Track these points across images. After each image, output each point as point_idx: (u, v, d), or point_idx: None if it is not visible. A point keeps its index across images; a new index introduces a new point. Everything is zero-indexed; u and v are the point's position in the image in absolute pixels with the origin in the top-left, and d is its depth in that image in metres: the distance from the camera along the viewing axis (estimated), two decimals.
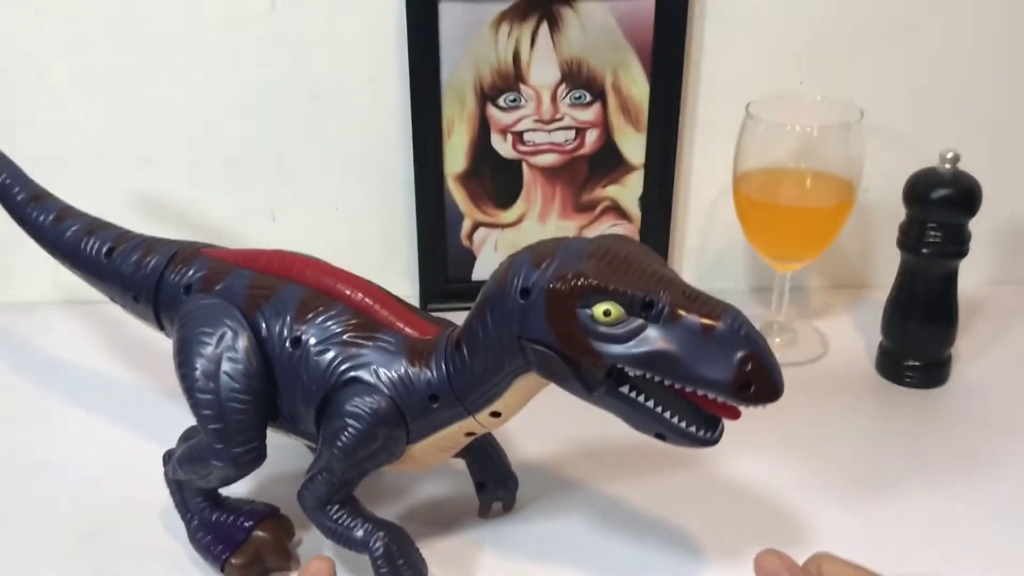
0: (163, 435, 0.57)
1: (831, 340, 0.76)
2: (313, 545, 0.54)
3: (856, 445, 0.64)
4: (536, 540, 0.55)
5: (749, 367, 0.40)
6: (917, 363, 0.70)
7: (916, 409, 0.67)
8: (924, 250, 0.66)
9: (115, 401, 0.69)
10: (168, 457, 0.54)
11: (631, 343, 0.41)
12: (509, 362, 0.44)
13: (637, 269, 0.42)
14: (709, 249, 0.83)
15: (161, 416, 0.66)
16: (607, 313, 0.41)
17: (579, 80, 0.75)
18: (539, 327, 0.42)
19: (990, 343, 0.75)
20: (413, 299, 0.81)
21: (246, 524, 0.52)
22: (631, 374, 0.42)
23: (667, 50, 0.74)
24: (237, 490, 0.57)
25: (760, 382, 0.40)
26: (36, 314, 0.81)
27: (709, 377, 0.40)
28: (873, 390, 0.70)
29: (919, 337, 0.69)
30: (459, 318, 0.50)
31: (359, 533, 0.49)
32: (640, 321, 0.41)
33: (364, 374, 0.48)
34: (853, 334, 0.77)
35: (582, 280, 0.41)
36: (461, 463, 0.56)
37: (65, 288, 0.80)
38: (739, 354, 0.40)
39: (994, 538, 0.55)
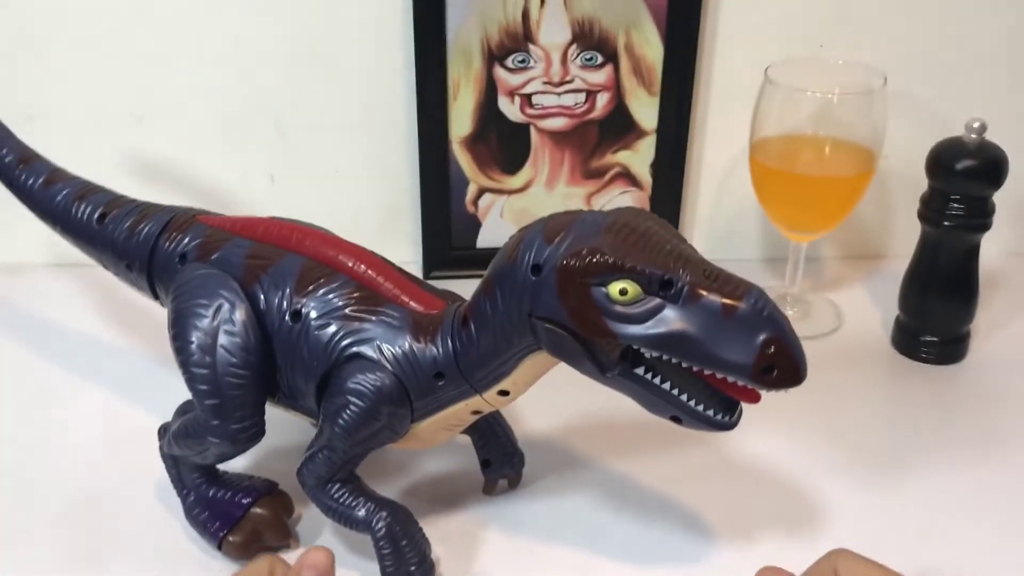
0: (160, 404, 0.55)
1: (846, 313, 0.74)
2: (313, 523, 0.53)
3: (871, 422, 0.62)
4: (543, 519, 0.54)
5: (772, 350, 0.38)
6: (935, 338, 0.68)
7: (933, 385, 0.66)
8: (946, 223, 0.64)
9: (110, 368, 0.67)
10: (163, 431, 0.53)
11: (648, 323, 0.39)
12: (518, 340, 0.42)
13: (655, 245, 0.40)
14: (722, 218, 0.81)
15: (158, 384, 0.64)
16: (623, 292, 0.39)
17: (590, 41, 0.72)
18: (551, 305, 0.40)
19: (1009, 318, 0.73)
20: (415, 266, 0.79)
21: (244, 501, 0.51)
22: (647, 355, 0.40)
23: (683, 10, 0.71)
24: (235, 465, 0.55)
25: (783, 366, 0.38)
26: (28, 277, 0.79)
27: (729, 360, 0.38)
28: (889, 365, 0.68)
29: (937, 312, 0.67)
30: (463, 286, 0.48)
31: (361, 512, 0.47)
32: (658, 300, 0.39)
33: (367, 350, 0.46)
34: (869, 307, 0.75)
35: (597, 257, 0.39)
36: (466, 439, 0.55)
37: (58, 250, 0.78)
38: (761, 336, 0.38)
39: (1012, 517, 0.53)
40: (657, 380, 0.41)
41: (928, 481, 0.56)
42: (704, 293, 0.38)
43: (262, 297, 0.48)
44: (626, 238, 0.40)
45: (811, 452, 0.59)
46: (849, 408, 0.63)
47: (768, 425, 0.61)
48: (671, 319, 0.39)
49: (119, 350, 0.70)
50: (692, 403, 0.41)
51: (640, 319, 0.39)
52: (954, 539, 0.52)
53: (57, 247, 0.78)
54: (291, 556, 0.51)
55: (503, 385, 0.45)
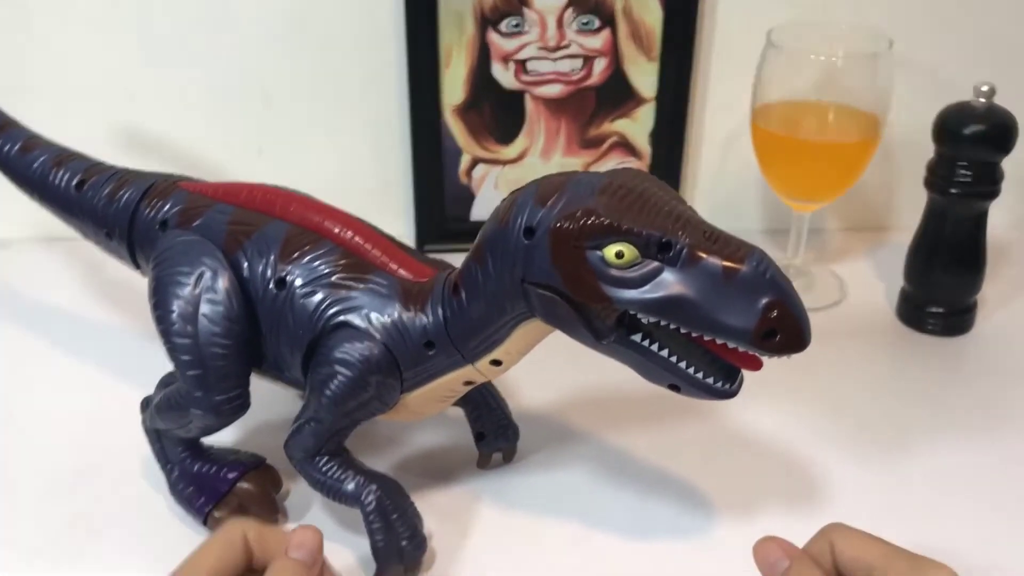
0: (145, 379, 0.53)
1: (850, 285, 0.73)
2: (301, 497, 0.52)
3: (875, 395, 0.60)
4: (537, 493, 0.52)
5: (774, 314, 0.36)
6: (940, 310, 0.66)
7: (938, 358, 0.64)
8: (953, 190, 0.62)
9: (95, 342, 0.66)
10: (146, 404, 0.51)
11: (645, 288, 0.37)
12: (511, 307, 0.41)
13: (653, 207, 0.38)
14: (723, 188, 0.79)
15: (143, 359, 0.63)
16: (620, 255, 0.37)
17: (587, 4, 0.70)
18: (544, 270, 0.38)
19: (1017, 289, 0.72)
20: (408, 238, 0.77)
21: (230, 475, 0.49)
22: (644, 321, 0.39)
23: None
24: (221, 439, 0.54)
25: (786, 330, 0.36)
26: (13, 252, 0.77)
27: (730, 325, 0.36)
28: (893, 337, 0.67)
29: (943, 282, 0.65)
30: (457, 260, 0.46)
31: (350, 486, 0.46)
32: (656, 264, 0.37)
33: (354, 318, 0.44)
34: (873, 279, 0.73)
35: (592, 218, 0.37)
36: (459, 412, 0.53)
37: (43, 225, 0.76)
38: (764, 300, 0.36)
39: (1018, 492, 0.52)
40: (655, 347, 0.40)
41: (932, 455, 0.55)
42: (704, 255, 0.37)
43: (245, 264, 0.46)
44: (622, 199, 0.38)
45: (813, 425, 0.57)
46: (852, 381, 0.62)
47: (769, 398, 0.59)
48: (669, 283, 0.37)
49: (105, 325, 0.68)
50: (691, 370, 0.40)
51: (637, 283, 0.37)
52: (957, 514, 0.51)
53: (40, 221, 0.76)
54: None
55: (495, 354, 0.43)
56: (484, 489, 0.52)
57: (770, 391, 0.59)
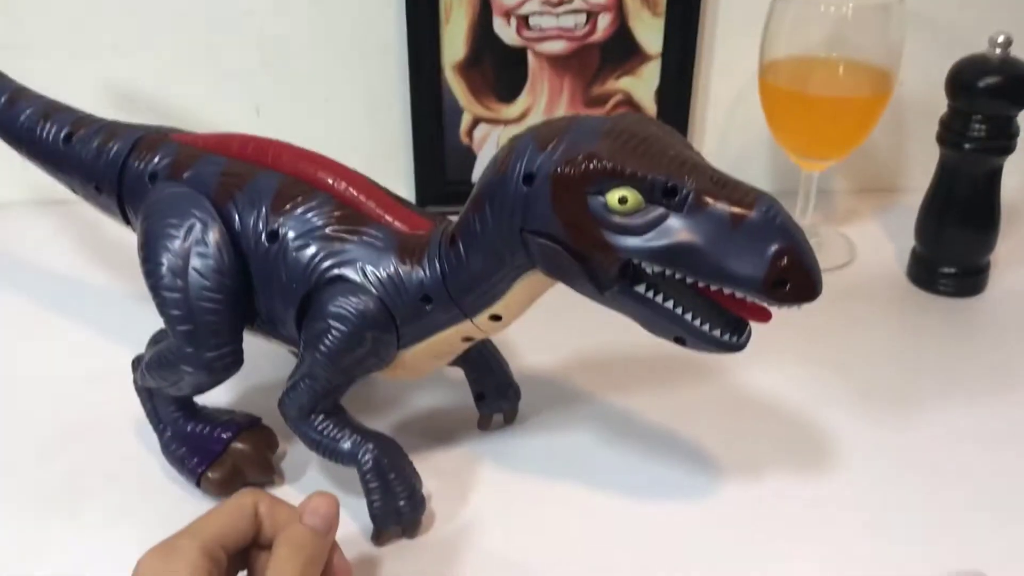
0: (139, 339, 0.52)
1: (859, 246, 0.71)
2: (298, 458, 0.50)
3: (885, 356, 0.59)
4: (539, 455, 0.51)
5: (784, 262, 0.35)
6: (953, 270, 0.64)
7: (950, 318, 0.63)
8: (967, 145, 0.60)
9: (89, 304, 0.64)
10: (137, 363, 0.50)
11: (650, 235, 0.36)
12: (510, 259, 0.39)
13: (658, 151, 0.36)
14: (730, 147, 0.77)
15: (137, 320, 0.61)
16: (623, 200, 0.36)
17: None
18: (544, 217, 0.37)
19: None
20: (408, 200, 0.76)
21: (224, 436, 0.48)
22: (649, 271, 0.37)
23: None
24: (215, 399, 0.52)
25: (796, 279, 0.35)
26: (6, 214, 0.76)
27: (739, 273, 0.35)
28: (904, 298, 0.65)
29: (956, 242, 0.64)
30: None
31: (346, 445, 0.44)
32: (661, 210, 0.36)
33: (349, 272, 0.43)
34: (883, 240, 0.72)
35: (594, 162, 0.36)
36: (459, 372, 0.52)
37: (37, 188, 0.75)
38: (773, 247, 0.35)
39: None
40: (659, 298, 0.38)
41: (942, 417, 0.54)
42: (711, 201, 0.35)
43: (237, 216, 0.44)
44: (626, 143, 0.36)
45: (822, 386, 0.56)
46: (862, 342, 0.60)
47: (778, 359, 0.58)
48: (675, 229, 0.36)
49: (98, 286, 0.67)
50: (697, 322, 0.38)
51: (641, 230, 0.36)
52: (967, 475, 0.49)
53: (34, 185, 0.75)
54: (276, 493, 0.49)
55: (495, 309, 0.42)
56: (485, 450, 0.51)
57: (778, 352, 0.58)
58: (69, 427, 0.53)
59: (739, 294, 0.36)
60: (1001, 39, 0.58)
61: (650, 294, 0.38)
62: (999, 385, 0.56)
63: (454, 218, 0.43)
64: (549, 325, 0.49)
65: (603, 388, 0.56)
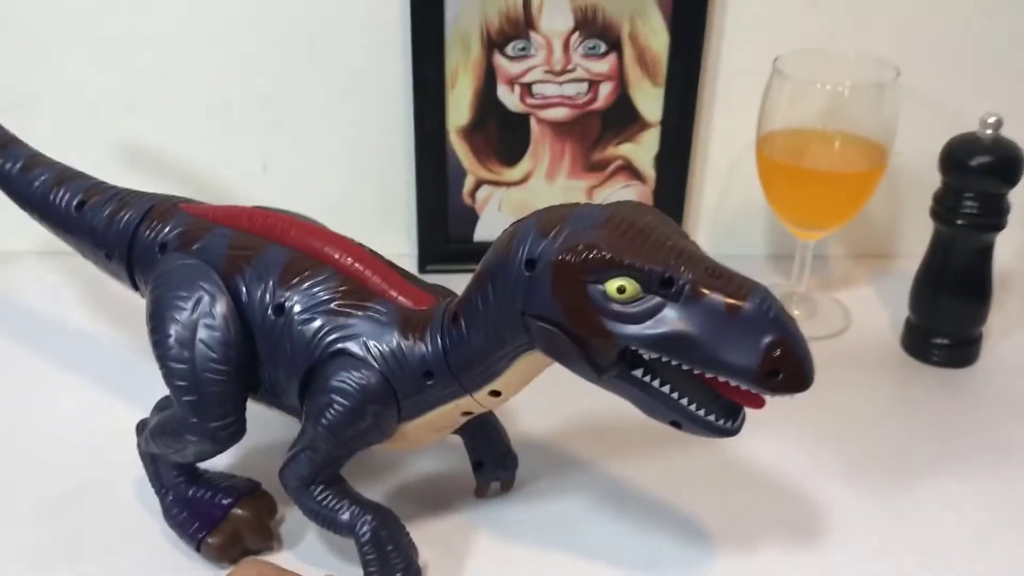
0: (143, 398, 0.53)
1: (854, 314, 0.72)
2: (297, 525, 0.51)
3: (879, 426, 0.60)
4: (536, 523, 0.51)
5: (777, 353, 0.36)
6: (946, 341, 0.65)
7: (943, 389, 0.63)
8: (959, 221, 0.61)
9: (93, 360, 0.65)
10: (142, 427, 0.51)
11: (647, 323, 0.37)
12: (511, 339, 0.40)
13: (655, 241, 0.37)
14: (727, 213, 0.78)
15: (142, 378, 0.62)
16: (621, 290, 0.37)
17: (594, 28, 0.70)
18: (545, 302, 0.38)
19: (1023, 320, 0.71)
20: (411, 259, 0.77)
21: (224, 501, 0.49)
22: (646, 357, 0.38)
23: None
24: (217, 463, 0.53)
25: (789, 370, 0.36)
26: (12, 265, 0.77)
27: (733, 363, 0.36)
28: (898, 368, 0.66)
29: (949, 313, 0.65)
30: (459, 280, 0.46)
31: (345, 516, 0.45)
32: (658, 299, 0.37)
33: (353, 346, 0.44)
34: (878, 308, 0.73)
35: (594, 252, 0.37)
36: (457, 439, 0.53)
37: (44, 239, 0.76)
38: (767, 338, 0.36)
39: (1022, 526, 0.51)
40: (656, 383, 0.39)
41: (936, 488, 0.54)
42: (706, 292, 0.36)
43: (244, 289, 0.46)
44: (624, 233, 0.38)
45: (816, 456, 0.57)
46: (856, 411, 0.61)
47: (772, 428, 0.58)
48: (671, 319, 0.37)
49: (104, 342, 0.68)
50: (693, 407, 0.39)
51: (639, 318, 0.37)
52: (960, 548, 0.50)
53: (43, 235, 0.76)
54: (275, 559, 0.49)
55: (495, 385, 0.43)
56: (482, 519, 0.52)
57: (773, 421, 0.59)
58: (71, 487, 0.53)
59: (733, 382, 0.37)
60: (992, 120, 0.60)
61: (647, 378, 0.39)
62: (991, 456, 0.57)
63: (459, 285, 0.44)
64: (548, 387, 0.50)
65: (600, 454, 0.56)
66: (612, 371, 0.39)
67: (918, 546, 0.50)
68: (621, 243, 0.37)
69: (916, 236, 0.70)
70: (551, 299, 0.38)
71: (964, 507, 0.53)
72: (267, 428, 0.56)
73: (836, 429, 0.59)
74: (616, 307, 0.37)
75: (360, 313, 0.44)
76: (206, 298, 0.45)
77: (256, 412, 0.48)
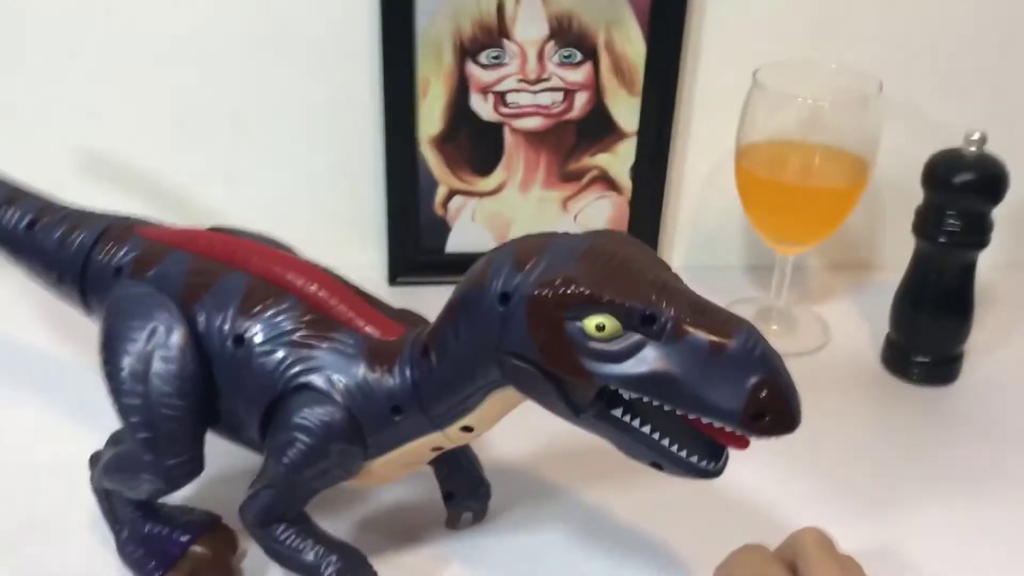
0: (99, 426, 0.50)
1: (834, 328, 0.71)
2: (260, 561, 0.48)
3: (858, 445, 0.59)
4: (510, 554, 0.50)
5: (764, 394, 0.34)
6: (926, 359, 0.64)
7: (923, 408, 0.62)
8: (941, 239, 0.60)
9: (48, 382, 0.62)
10: (95, 461, 0.48)
11: (628, 363, 0.35)
12: (483, 374, 0.38)
13: (637, 275, 0.35)
14: (705, 225, 0.77)
15: (99, 404, 0.59)
16: (600, 328, 0.35)
17: (569, 37, 0.68)
18: (520, 339, 0.36)
19: (1005, 337, 0.70)
20: (381, 271, 0.75)
21: (182, 539, 0.47)
22: (626, 396, 0.36)
23: (667, 6, 0.67)
24: (176, 495, 0.50)
25: (775, 412, 0.34)
26: None
27: (717, 404, 0.34)
28: (878, 385, 0.65)
29: (930, 331, 0.64)
30: (430, 293, 0.44)
31: (309, 557, 0.43)
32: (639, 337, 0.35)
33: (317, 379, 0.42)
34: (858, 322, 0.72)
35: (572, 288, 0.35)
36: (428, 468, 0.51)
37: None
38: (753, 379, 0.34)
39: (1005, 549, 0.50)
40: (636, 423, 0.37)
41: (916, 508, 0.53)
42: (690, 330, 0.34)
43: (202, 319, 0.43)
44: (604, 266, 0.36)
45: (794, 479, 0.55)
46: (835, 431, 0.60)
47: (749, 450, 0.57)
48: (653, 358, 0.35)
49: (58, 364, 0.65)
50: (674, 448, 0.37)
51: (619, 357, 0.35)
52: (941, 570, 0.49)
53: None
54: None
55: (466, 421, 0.41)
56: (454, 551, 0.50)
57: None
58: (20, 522, 0.51)
59: (717, 424, 0.35)
60: (976, 136, 0.59)
61: (627, 418, 0.37)
62: (973, 476, 0.56)
63: (431, 297, 0.41)
64: (523, 411, 0.48)
65: (574, 480, 0.55)
66: (590, 411, 0.37)
67: (897, 567, 0.49)
68: (601, 277, 0.35)
69: (898, 248, 0.69)
70: (526, 336, 0.36)
71: (944, 527, 0.52)
72: (229, 456, 0.54)
73: (815, 449, 0.58)
74: (595, 345, 0.35)
75: (324, 344, 0.42)
76: (161, 328, 0.42)
77: (218, 439, 0.46)
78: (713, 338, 0.34)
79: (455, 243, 0.74)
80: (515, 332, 0.36)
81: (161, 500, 0.48)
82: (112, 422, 0.48)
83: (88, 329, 0.67)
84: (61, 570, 0.48)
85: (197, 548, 0.47)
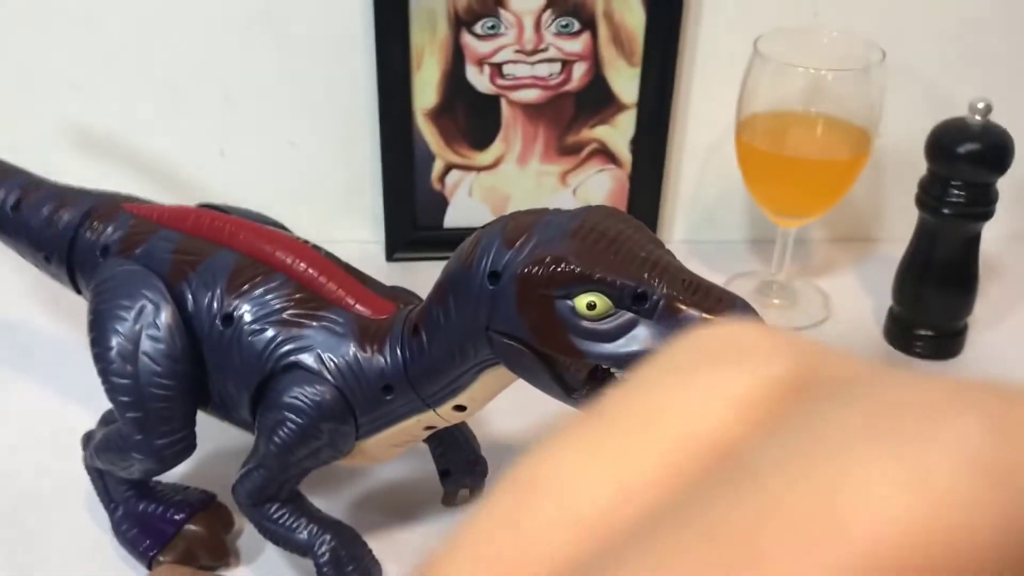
0: (93, 403, 0.50)
1: (835, 302, 0.70)
2: (254, 539, 0.48)
3: None
4: None
5: None
6: (929, 332, 0.63)
7: None
8: (945, 210, 0.59)
9: (42, 359, 0.62)
10: (87, 440, 0.48)
11: (620, 341, 0.34)
12: (474, 353, 0.38)
13: (628, 252, 0.35)
14: (706, 198, 0.76)
15: (92, 381, 0.59)
16: (591, 306, 0.34)
17: (566, 5, 0.66)
18: (510, 318, 0.35)
19: (1009, 310, 0.69)
20: (378, 247, 0.74)
21: (176, 517, 0.47)
22: (618, 375, 0.36)
23: None
24: (170, 474, 0.50)
25: None
26: None
27: None
28: (880, 359, 0.64)
29: (934, 304, 0.63)
30: (428, 268, 0.43)
31: (302, 535, 0.43)
32: (630, 315, 0.34)
33: (307, 359, 0.41)
34: (860, 295, 0.71)
35: (562, 265, 0.34)
36: (424, 445, 0.50)
37: None
38: None
39: None
40: None
41: None
42: (682, 307, 0.34)
43: (190, 297, 0.43)
44: (595, 243, 0.35)
45: None
46: None
47: None
48: (645, 337, 0.34)
49: (52, 340, 0.64)
50: None
51: (610, 336, 0.34)
52: None
53: None
54: (229, 574, 0.47)
55: (459, 400, 0.40)
56: (450, 528, 0.50)
57: None
58: (13, 500, 0.51)
59: None
60: (981, 105, 0.57)
61: None
62: None
63: (427, 272, 0.41)
64: (520, 386, 0.47)
65: None
66: (583, 390, 0.37)
67: None
68: (591, 255, 0.34)
69: (900, 220, 0.68)
70: (516, 315, 0.35)
71: None
72: (224, 434, 0.53)
73: None
74: (586, 324, 0.34)
75: (314, 323, 0.42)
76: (149, 307, 0.42)
77: (211, 420, 0.45)
78: (706, 316, 0.34)
79: (453, 218, 0.74)
80: (505, 311, 0.36)
81: (155, 479, 0.48)
82: (106, 399, 0.48)
83: (80, 306, 0.66)
84: (56, 548, 0.48)
85: (191, 526, 0.47)
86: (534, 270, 0.35)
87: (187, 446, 0.43)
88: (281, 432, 0.41)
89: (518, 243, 0.35)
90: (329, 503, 0.49)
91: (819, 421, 0.09)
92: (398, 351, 0.40)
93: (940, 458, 0.08)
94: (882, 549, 0.08)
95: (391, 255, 0.74)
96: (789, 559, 0.08)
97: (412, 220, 0.73)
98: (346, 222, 0.74)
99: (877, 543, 0.08)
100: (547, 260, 0.34)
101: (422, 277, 0.47)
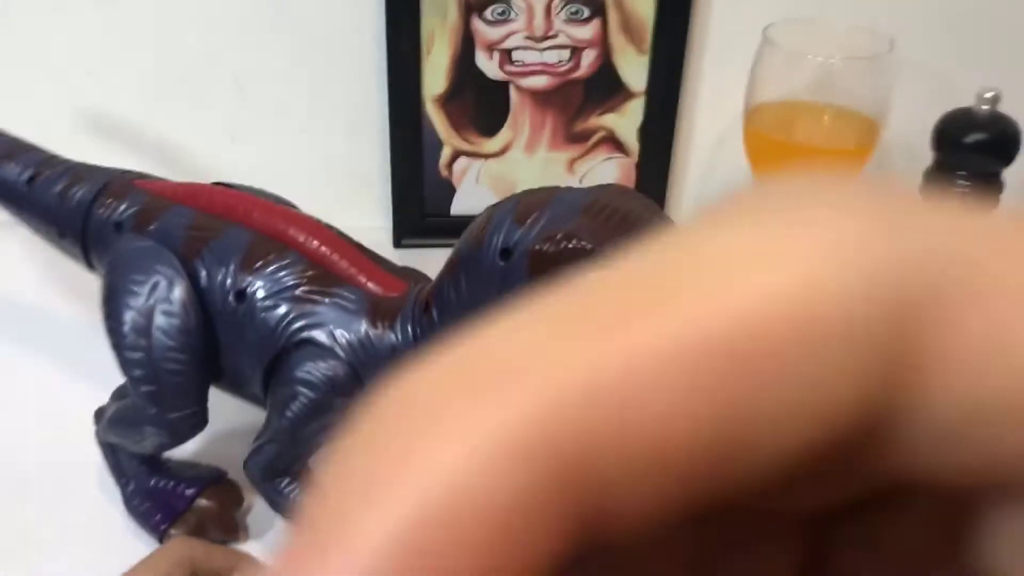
0: (105, 381, 0.50)
1: None
2: (264, 514, 0.49)
3: None
4: None
5: None
6: None
7: None
8: None
9: (54, 338, 0.63)
10: (99, 415, 0.49)
11: None
12: None
13: (640, 230, 0.35)
14: (713, 187, 0.76)
15: (105, 358, 0.60)
16: None
17: None
18: (521, 295, 0.36)
19: None
20: (386, 233, 0.74)
21: (188, 492, 0.47)
22: None
23: None
24: (181, 450, 0.51)
25: None
26: None
27: None
28: None
29: None
30: (435, 255, 0.43)
31: None
32: None
33: (319, 335, 0.42)
34: None
35: (573, 242, 0.35)
36: None
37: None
38: None
39: None
40: None
41: None
42: None
43: (204, 274, 0.43)
44: (607, 220, 0.35)
45: None
46: None
47: None
48: None
49: (64, 318, 0.65)
50: None
51: None
52: None
53: None
54: (240, 549, 0.47)
55: None
56: None
57: None
58: (27, 475, 0.51)
59: None
60: (989, 95, 0.58)
61: None
62: None
63: (435, 259, 0.41)
64: None
65: None
66: None
67: None
68: (603, 232, 0.35)
69: None
70: (527, 292, 0.36)
71: None
72: (234, 412, 0.54)
73: None
74: None
75: (327, 300, 0.42)
76: (163, 282, 0.42)
77: (222, 395, 0.46)
78: None
79: (460, 205, 0.74)
80: (516, 288, 0.36)
81: (166, 454, 0.49)
82: (119, 375, 0.48)
83: (93, 283, 0.67)
84: (68, 523, 0.48)
85: (202, 501, 0.47)
86: (545, 247, 0.35)
87: (200, 420, 0.43)
88: (293, 407, 0.41)
89: (529, 220, 0.36)
90: None
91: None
92: (409, 328, 0.41)
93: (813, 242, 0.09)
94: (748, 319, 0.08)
95: (398, 241, 0.74)
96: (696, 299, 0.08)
97: (420, 207, 0.73)
98: (354, 208, 0.74)
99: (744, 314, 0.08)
100: (559, 237, 0.35)
101: (429, 263, 0.48)
